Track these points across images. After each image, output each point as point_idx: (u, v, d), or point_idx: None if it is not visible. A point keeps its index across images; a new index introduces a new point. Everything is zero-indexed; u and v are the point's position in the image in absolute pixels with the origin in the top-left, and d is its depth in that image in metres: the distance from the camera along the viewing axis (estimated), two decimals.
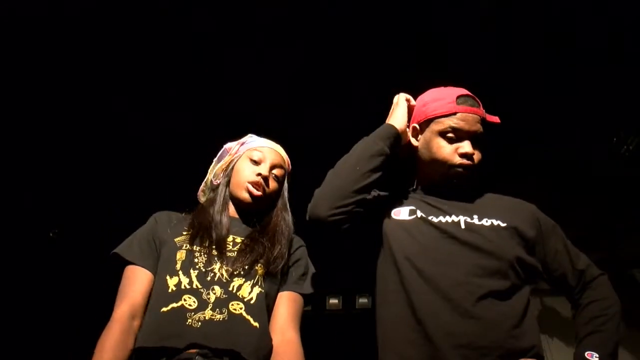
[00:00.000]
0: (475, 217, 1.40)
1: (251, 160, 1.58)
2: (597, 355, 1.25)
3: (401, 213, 1.46)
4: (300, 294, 1.49)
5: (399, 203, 1.49)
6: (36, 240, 3.61)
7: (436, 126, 1.47)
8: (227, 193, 1.57)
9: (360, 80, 2.85)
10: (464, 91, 1.52)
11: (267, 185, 1.55)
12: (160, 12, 2.47)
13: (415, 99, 1.59)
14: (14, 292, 3.53)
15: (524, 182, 3.28)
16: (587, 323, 1.33)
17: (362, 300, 4.07)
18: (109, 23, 2.51)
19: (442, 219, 1.41)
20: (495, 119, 1.51)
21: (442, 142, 1.46)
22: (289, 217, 1.59)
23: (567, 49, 2.66)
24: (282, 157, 1.65)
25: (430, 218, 1.42)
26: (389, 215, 1.47)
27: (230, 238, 1.47)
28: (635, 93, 2.82)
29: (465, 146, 1.43)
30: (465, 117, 1.45)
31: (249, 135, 1.71)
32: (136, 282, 1.38)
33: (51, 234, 3.65)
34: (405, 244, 1.39)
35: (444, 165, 1.45)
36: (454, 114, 1.45)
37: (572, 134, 3.12)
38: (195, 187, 1.71)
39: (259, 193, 1.52)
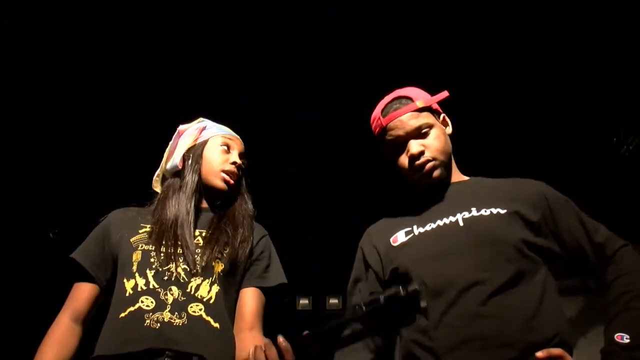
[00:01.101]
0: (474, 209, 1.35)
1: (221, 147, 1.55)
2: (628, 337, 1.14)
3: (398, 238, 1.41)
4: (267, 287, 1.46)
5: (395, 228, 1.45)
6: (36, 240, 3.61)
7: (383, 145, 1.47)
8: (198, 181, 1.51)
9: (360, 80, 2.85)
10: (388, 98, 1.49)
11: (239, 173, 1.56)
12: (160, 12, 2.47)
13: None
14: (14, 292, 3.53)
15: None
16: (614, 302, 1.22)
17: None
18: (108, 23, 2.51)
19: (439, 222, 1.37)
20: (441, 96, 1.47)
21: (396, 157, 1.45)
22: (249, 202, 1.58)
23: (567, 49, 2.66)
24: (243, 144, 1.64)
25: (427, 228, 1.38)
26: (389, 245, 1.42)
27: (196, 233, 1.45)
28: (635, 93, 2.83)
29: (410, 148, 1.40)
30: (394, 125, 1.42)
31: (201, 119, 1.69)
32: (79, 290, 1.46)
33: (51, 234, 3.65)
34: (408, 265, 1.34)
35: (407, 175, 1.44)
36: (384, 129, 1.44)
37: (572, 134, 3.12)
38: None
39: (234, 181, 1.52)
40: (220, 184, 1.51)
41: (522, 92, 2.93)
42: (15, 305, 3.54)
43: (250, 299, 1.43)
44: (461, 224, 1.34)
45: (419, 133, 1.41)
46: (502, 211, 1.32)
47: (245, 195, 1.58)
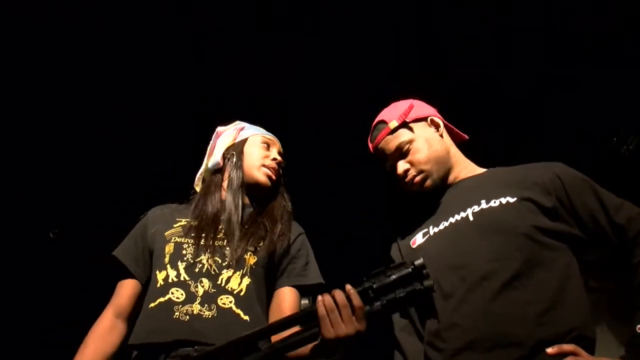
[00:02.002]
0: (483, 202, 1.33)
1: (261, 145, 1.60)
2: None
3: (417, 240, 1.43)
4: (305, 285, 1.48)
5: (415, 231, 1.47)
6: (36, 240, 3.61)
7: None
8: (242, 177, 1.54)
9: (360, 80, 2.85)
10: (374, 122, 1.55)
11: (280, 170, 1.61)
12: (160, 12, 2.47)
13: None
14: (14, 292, 3.53)
15: None
16: (638, 289, 1.15)
17: None
18: (108, 23, 2.51)
19: (452, 220, 1.36)
20: (408, 110, 1.50)
21: (393, 175, 1.49)
22: (288, 200, 1.62)
23: (567, 49, 2.66)
24: (280, 144, 1.69)
25: (441, 227, 1.38)
26: (409, 248, 1.44)
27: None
28: (635, 93, 2.82)
29: (397, 168, 1.46)
30: (378, 151, 1.50)
31: (238, 122, 1.72)
32: (122, 287, 1.48)
33: (51, 234, 3.65)
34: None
35: (407, 190, 1.48)
36: (374, 154, 1.52)
37: (572, 134, 3.12)
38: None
39: (274, 176, 1.56)
40: (263, 178, 1.55)
41: (522, 91, 2.93)
42: (16, 305, 3.54)
43: (289, 297, 1.45)
44: (471, 218, 1.33)
45: (401, 152, 1.46)
46: (512, 199, 1.29)
47: (285, 194, 1.62)
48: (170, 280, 1.34)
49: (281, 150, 1.66)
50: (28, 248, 3.59)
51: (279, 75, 2.84)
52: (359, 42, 2.67)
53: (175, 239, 1.43)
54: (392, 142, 1.47)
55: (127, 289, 1.47)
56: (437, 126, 1.52)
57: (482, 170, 1.50)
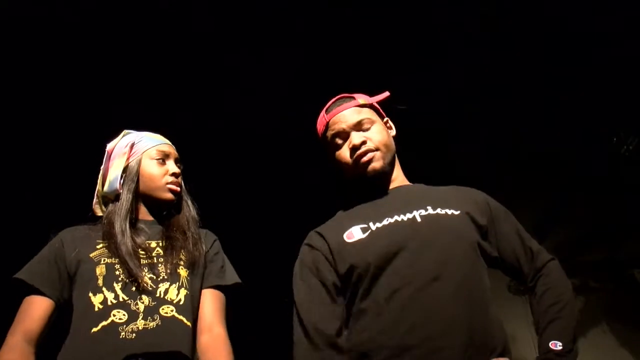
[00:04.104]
0: (429, 207, 1.37)
1: (156, 160, 1.56)
2: (561, 344, 1.22)
3: (354, 235, 1.39)
4: (224, 285, 1.51)
5: (347, 225, 1.43)
6: (36, 241, 3.61)
7: (327, 142, 1.51)
8: (132, 199, 1.51)
9: (359, 80, 2.85)
10: (335, 98, 1.55)
11: (180, 180, 1.59)
12: (160, 12, 2.47)
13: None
14: (13, 293, 3.52)
15: (524, 182, 3.27)
16: (546, 312, 1.29)
17: None
18: (108, 23, 2.51)
19: (397, 218, 1.37)
20: (382, 95, 1.52)
21: (336, 151, 1.48)
22: (192, 206, 1.61)
23: (567, 49, 2.67)
24: (174, 147, 1.65)
25: (385, 223, 1.37)
26: (342, 242, 1.39)
27: (153, 244, 1.47)
28: (635, 93, 2.83)
29: (352, 139, 1.43)
30: (337, 119, 1.47)
31: (126, 131, 1.66)
32: (32, 307, 1.40)
33: (51, 234, 3.64)
34: (372, 262, 1.31)
35: (349, 167, 1.45)
36: (327, 124, 1.49)
37: (572, 134, 3.12)
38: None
39: (179, 189, 1.56)
40: (168, 195, 1.53)
41: (521, 92, 2.93)
42: (15, 306, 3.54)
43: (208, 300, 1.47)
44: (419, 220, 1.35)
45: (361, 127, 1.46)
46: (457, 212, 1.37)
47: (187, 200, 1.61)
48: (109, 303, 1.33)
49: (177, 155, 1.62)
50: (28, 248, 3.59)
51: (279, 75, 2.84)
52: (359, 42, 2.67)
53: (104, 260, 1.40)
54: (356, 115, 1.46)
55: (38, 310, 1.39)
56: (390, 128, 1.56)
57: (410, 183, 1.53)
